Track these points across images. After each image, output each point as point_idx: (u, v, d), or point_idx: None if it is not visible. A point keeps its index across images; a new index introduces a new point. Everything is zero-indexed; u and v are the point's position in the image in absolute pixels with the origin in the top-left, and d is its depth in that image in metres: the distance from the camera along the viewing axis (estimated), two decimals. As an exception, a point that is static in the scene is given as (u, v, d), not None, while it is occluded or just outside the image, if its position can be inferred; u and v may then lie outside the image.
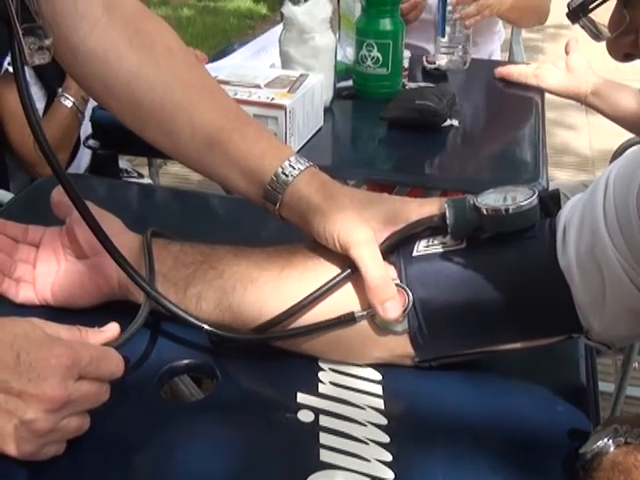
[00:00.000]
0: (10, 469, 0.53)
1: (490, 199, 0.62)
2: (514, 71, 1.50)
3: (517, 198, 0.61)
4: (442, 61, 1.43)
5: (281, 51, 1.27)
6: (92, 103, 1.41)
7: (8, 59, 1.31)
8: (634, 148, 0.58)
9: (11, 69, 1.30)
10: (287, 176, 0.66)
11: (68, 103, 1.40)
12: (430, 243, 0.65)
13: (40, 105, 1.41)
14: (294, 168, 0.66)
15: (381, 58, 1.33)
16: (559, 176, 3.07)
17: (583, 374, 0.68)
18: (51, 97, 1.44)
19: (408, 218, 0.65)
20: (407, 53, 1.44)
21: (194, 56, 0.76)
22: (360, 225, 0.63)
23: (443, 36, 1.40)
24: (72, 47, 0.70)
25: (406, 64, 1.45)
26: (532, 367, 0.67)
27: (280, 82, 1.13)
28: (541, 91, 1.47)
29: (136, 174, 1.70)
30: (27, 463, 0.53)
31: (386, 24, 1.32)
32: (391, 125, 1.25)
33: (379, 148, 1.25)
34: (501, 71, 1.52)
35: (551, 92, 1.49)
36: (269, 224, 0.86)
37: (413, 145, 1.21)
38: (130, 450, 0.58)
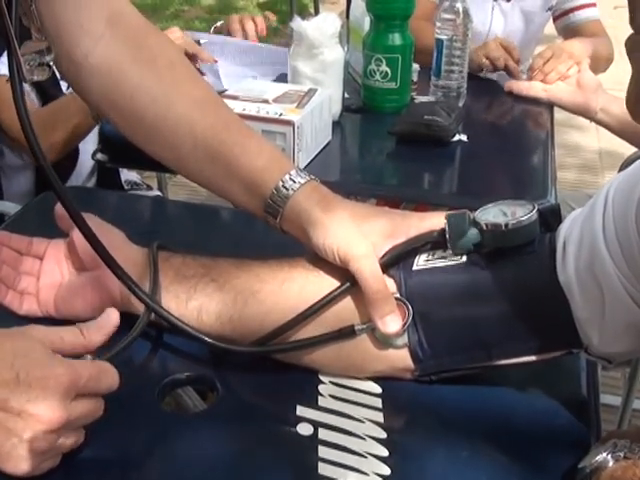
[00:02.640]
0: None
1: (490, 214, 0.62)
2: (524, 85, 1.50)
3: (517, 213, 0.61)
4: (435, 96, 1.43)
5: (290, 65, 1.28)
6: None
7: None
8: (636, 163, 0.58)
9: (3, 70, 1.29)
10: (287, 190, 0.66)
11: None
12: (430, 257, 0.65)
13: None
14: (294, 182, 0.67)
15: (390, 72, 1.33)
16: (566, 177, 3.09)
17: (584, 388, 0.67)
18: (45, 103, 1.44)
19: (408, 232, 0.65)
20: (416, 67, 1.45)
21: (196, 70, 0.77)
22: (360, 239, 0.63)
23: (438, 77, 1.40)
24: (75, 62, 0.71)
25: (415, 78, 1.45)
26: (533, 380, 0.67)
27: (289, 97, 1.13)
28: (550, 106, 1.47)
29: (145, 186, 1.71)
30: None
31: (395, 39, 1.33)
32: (399, 140, 1.25)
33: (387, 163, 1.25)
34: (511, 85, 1.52)
35: (561, 107, 1.49)
36: (273, 237, 0.86)
37: (421, 160, 1.21)
38: (130, 461, 0.58)
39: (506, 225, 0.60)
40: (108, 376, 0.56)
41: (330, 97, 1.19)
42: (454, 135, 1.23)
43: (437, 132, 1.20)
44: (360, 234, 0.63)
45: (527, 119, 1.42)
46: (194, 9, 6.18)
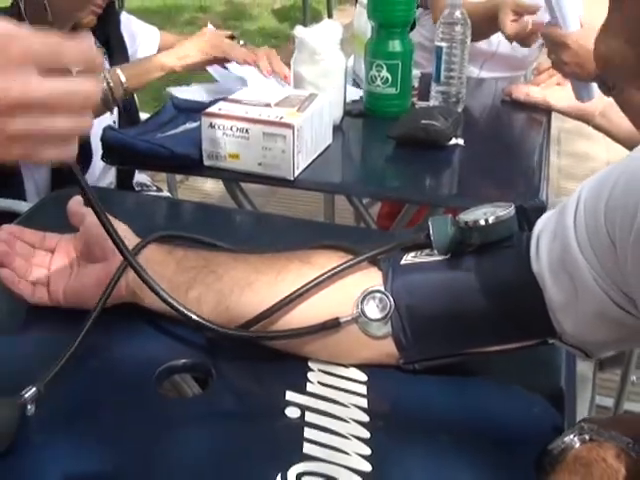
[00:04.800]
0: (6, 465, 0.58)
1: (471, 215, 0.66)
2: (523, 91, 1.53)
3: (496, 212, 0.65)
4: (436, 101, 1.46)
5: (293, 71, 1.32)
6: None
7: None
8: (607, 167, 0.62)
9: None
10: None
11: (103, 74, 1.33)
12: (418, 254, 0.69)
13: None
14: None
15: (390, 78, 1.37)
16: (574, 187, 3.11)
17: (563, 380, 0.71)
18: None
19: None
20: (417, 73, 1.48)
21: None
22: None
23: (438, 82, 1.44)
24: None
25: (416, 84, 1.48)
26: (514, 372, 0.70)
27: (290, 101, 1.17)
28: (548, 112, 1.50)
29: (155, 188, 1.76)
30: (24, 460, 0.58)
31: (395, 45, 1.36)
32: (399, 143, 1.29)
33: (386, 165, 1.29)
34: (510, 89, 1.55)
35: (560, 112, 1.52)
36: (280, 236, 0.91)
37: (419, 163, 1.24)
38: (128, 441, 0.62)
39: (486, 221, 0.64)
40: (81, 45, 0.49)
41: (331, 102, 1.23)
42: (451, 139, 1.26)
43: (434, 136, 1.24)
44: None
45: (524, 124, 1.45)
46: (208, 16, 6.24)
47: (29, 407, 0.61)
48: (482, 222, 0.64)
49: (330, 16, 5.18)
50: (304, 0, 4.31)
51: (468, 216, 0.66)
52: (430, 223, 0.68)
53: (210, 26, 1.52)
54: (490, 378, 0.70)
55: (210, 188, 2.88)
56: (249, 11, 6.39)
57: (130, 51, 1.66)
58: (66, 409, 0.64)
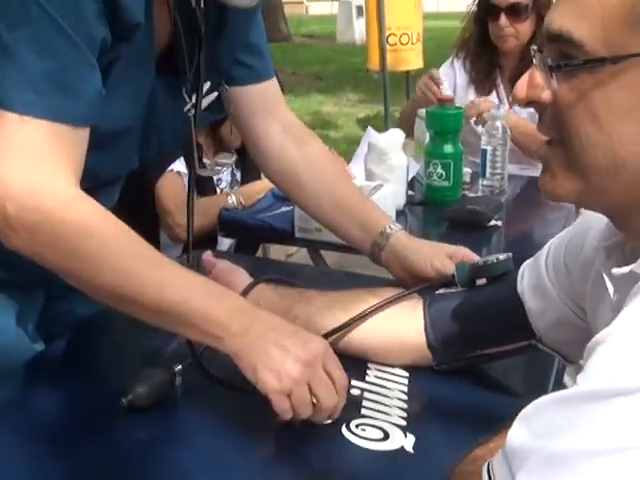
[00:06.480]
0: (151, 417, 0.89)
1: (482, 259, 0.97)
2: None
3: (498, 256, 0.96)
4: (482, 193, 1.78)
5: (365, 167, 1.67)
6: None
7: (176, 164, 1.84)
8: (568, 228, 0.91)
9: (176, 169, 1.82)
10: (391, 230, 1.12)
11: (230, 200, 1.84)
12: (449, 288, 1.00)
13: None
14: (393, 227, 1.14)
15: (444, 174, 1.70)
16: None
17: (550, 388, 0.98)
18: (199, 191, 1.88)
19: (458, 254, 1.10)
20: (468, 170, 1.81)
21: (341, 164, 1.22)
22: (443, 257, 1.08)
23: (484, 178, 1.76)
24: (260, 150, 1.20)
25: (468, 179, 1.81)
26: (513, 380, 0.99)
27: (361, 190, 1.51)
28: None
29: None
30: (167, 415, 0.89)
31: (448, 148, 1.71)
32: (450, 224, 1.61)
33: (439, 240, 1.59)
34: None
35: None
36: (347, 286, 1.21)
37: (465, 238, 1.52)
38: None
39: (491, 261, 0.95)
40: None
41: (394, 191, 1.56)
42: (490, 220, 1.57)
43: (476, 218, 1.55)
44: (440, 253, 1.09)
45: (555, 211, 1.73)
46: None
47: (178, 378, 0.92)
48: (489, 262, 0.95)
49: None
50: (385, 111, 4.74)
51: (480, 260, 0.97)
52: (455, 266, 0.99)
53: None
54: (500, 386, 0.98)
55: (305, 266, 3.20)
56: (335, 121, 6.91)
57: None
58: (198, 384, 0.95)
